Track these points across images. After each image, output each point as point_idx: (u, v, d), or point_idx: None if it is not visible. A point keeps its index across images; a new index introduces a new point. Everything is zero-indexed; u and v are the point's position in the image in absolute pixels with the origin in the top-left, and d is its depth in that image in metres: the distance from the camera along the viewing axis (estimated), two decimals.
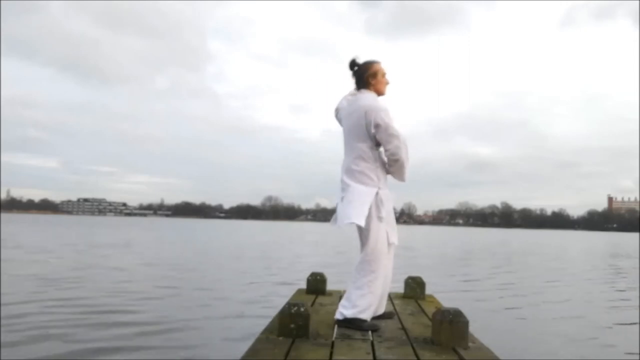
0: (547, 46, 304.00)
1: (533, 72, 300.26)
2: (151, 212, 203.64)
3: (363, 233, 3.14)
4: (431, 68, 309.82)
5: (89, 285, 9.14)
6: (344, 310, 3.10)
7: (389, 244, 3.19)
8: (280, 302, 5.71)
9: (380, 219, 3.11)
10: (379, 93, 3.25)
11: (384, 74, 3.25)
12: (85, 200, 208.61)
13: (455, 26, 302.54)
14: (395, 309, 3.83)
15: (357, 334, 2.91)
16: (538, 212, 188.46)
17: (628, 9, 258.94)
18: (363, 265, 3.11)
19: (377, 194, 3.12)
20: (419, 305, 4.05)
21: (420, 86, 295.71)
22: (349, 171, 3.19)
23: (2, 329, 5.47)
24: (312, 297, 4.30)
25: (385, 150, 3.16)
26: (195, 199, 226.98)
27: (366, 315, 3.08)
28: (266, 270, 13.04)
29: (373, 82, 3.23)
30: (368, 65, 3.25)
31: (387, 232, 3.16)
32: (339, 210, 3.20)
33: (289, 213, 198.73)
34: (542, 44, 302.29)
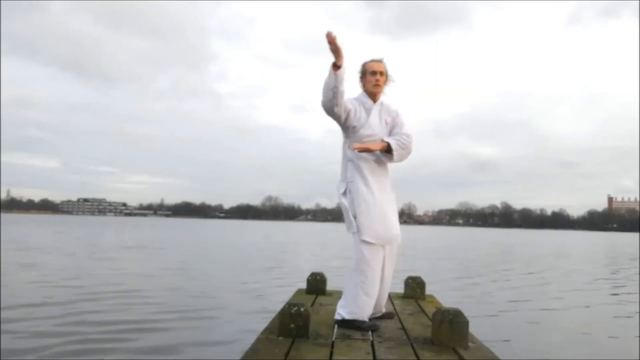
0: (549, 46, 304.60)
1: (534, 72, 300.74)
2: (151, 212, 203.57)
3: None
4: (434, 67, 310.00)
5: (99, 288, 9.13)
6: (341, 310, 3.14)
7: (379, 244, 3.10)
8: (280, 302, 5.71)
9: (354, 217, 3.14)
10: (368, 92, 3.25)
11: (372, 72, 3.19)
12: (85, 200, 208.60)
13: (459, 25, 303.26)
14: (395, 309, 3.82)
15: (357, 334, 2.91)
16: (538, 212, 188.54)
17: (634, 8, 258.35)
18: (352, 266, 3.15)
19: (346, 190, 3.19)
20: (419, 305, 4.05)
21: (421, 86, 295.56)
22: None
23: (7, 334, 5.44)
24: (312, 297, 4.30)
25: None
26: (195, 199, 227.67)
27: (363, 317, 3.09)
28: (267, 270, 13.03)
29: (362, 81, 3.27)
30: (361, 65, 3.29)
31: (363, 227, 3.08)
32: None
33: (289, 213, 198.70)
34: (543, 44, 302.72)
